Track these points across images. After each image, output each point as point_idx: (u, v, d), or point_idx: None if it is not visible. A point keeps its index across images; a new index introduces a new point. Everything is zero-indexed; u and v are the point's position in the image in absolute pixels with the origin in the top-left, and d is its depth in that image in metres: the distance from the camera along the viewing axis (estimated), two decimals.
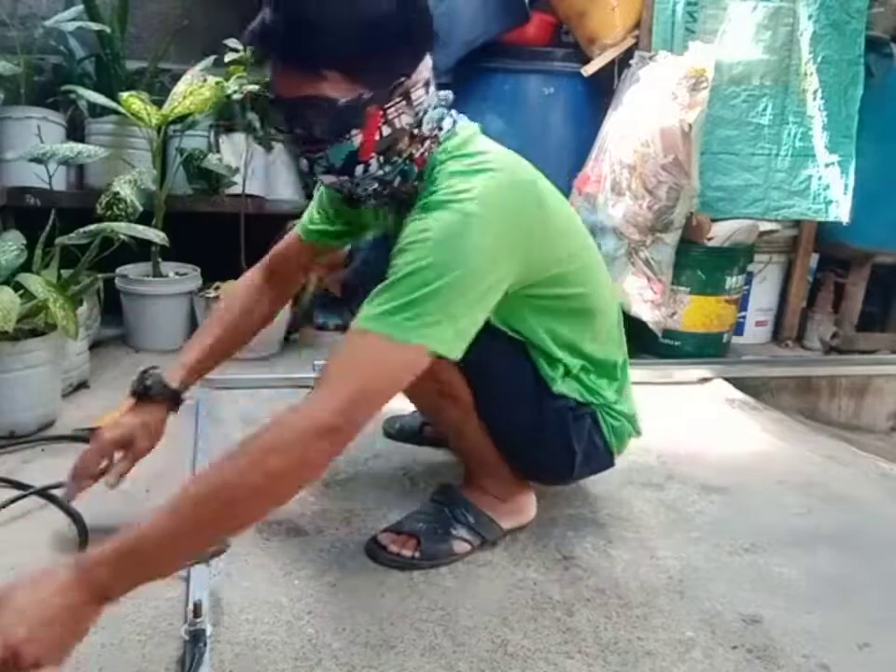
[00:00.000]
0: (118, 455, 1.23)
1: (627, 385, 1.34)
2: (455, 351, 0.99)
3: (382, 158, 1.07)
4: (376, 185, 1.10)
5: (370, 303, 0.98)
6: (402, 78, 1.02)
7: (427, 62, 1.06)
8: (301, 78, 0.99)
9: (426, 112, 1.07)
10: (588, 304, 1.22)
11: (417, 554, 1.24)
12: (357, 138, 1.03)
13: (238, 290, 1.41)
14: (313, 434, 0.92)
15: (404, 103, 1.04)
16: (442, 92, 1.14)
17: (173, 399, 1.28)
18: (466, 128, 1.15)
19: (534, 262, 1.10)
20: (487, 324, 1.06)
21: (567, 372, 1.23)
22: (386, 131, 1.04)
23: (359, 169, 1.06)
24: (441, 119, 1.11)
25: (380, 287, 0.99)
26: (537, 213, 1.10)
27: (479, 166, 1.05)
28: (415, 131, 1.07)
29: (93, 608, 0.85)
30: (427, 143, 1.10)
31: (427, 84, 1.07)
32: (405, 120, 1.05)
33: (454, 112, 1.15)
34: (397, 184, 1.12)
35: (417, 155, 1.10)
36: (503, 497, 1.32)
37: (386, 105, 1.02)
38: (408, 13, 1.00)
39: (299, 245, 1.39)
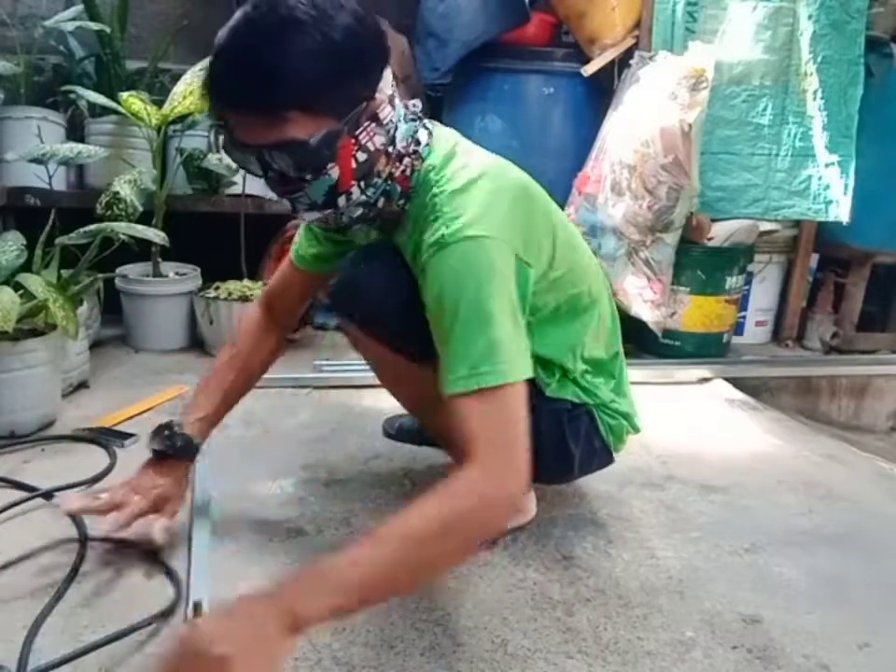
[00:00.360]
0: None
1: (624, 379, 1.33)
2: (530, 369, 0.99)
3: (363, 183, 1.04)
4: (361, 210, 1.08)
5: (450, 366, 0.96)
6: (366, 102, 0.99)
7: (387, 77, 1.03)
8: (264, 125, 0.95)
9: (396, 128, 1.05)
10: (587, 301, 1.22)
11: None
12: (335, 171, 1.00)
13: (244, 333, 1.36)
14: (507, 504, 0.95)
15: (374, 124, 1.01)
16: (411, 102, 1.11)
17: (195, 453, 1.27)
18: (444, 137, 1.12)
19: (544, 259, 1.10)
20: None
21: (565, 374, 1.23)
22: (362, 157, 1.01)
23: (342, 199, 1.04)
24: (415, 132, 1.08)
25: (445, 343, 0.98)
26: (535, 211, 1.10)
27: (472, 175, 1.04)
28: (390, 149, 1.05)
29: (286, 636, 0.81)
30: (407, 160, 1.07)
31: (391, 99, 1.04)
32: (378, 141, 1.02)
33: (426, 122, 1.13)
34: (381, 205, 1.09)
35: (398, 174, 1.07)
36: None
37: (357, 132, 0.99)
38: (357, 37, 0.96)
39: (294, 274, 1.35)
